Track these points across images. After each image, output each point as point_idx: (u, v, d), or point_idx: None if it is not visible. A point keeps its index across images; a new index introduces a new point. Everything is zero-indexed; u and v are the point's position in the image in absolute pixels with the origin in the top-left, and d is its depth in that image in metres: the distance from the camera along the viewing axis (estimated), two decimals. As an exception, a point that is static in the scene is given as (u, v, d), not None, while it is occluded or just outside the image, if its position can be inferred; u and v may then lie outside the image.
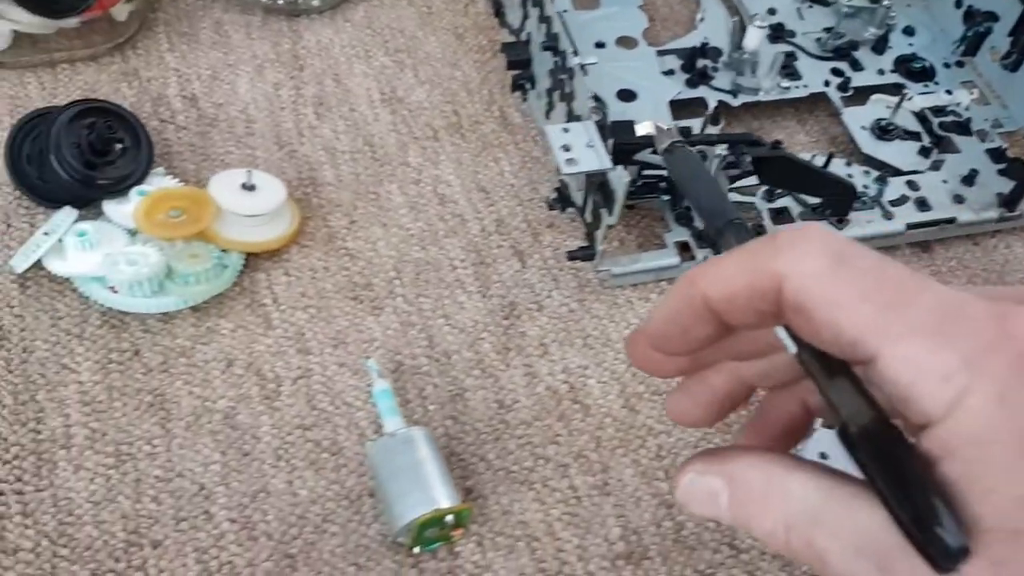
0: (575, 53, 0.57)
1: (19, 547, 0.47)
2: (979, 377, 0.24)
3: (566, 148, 0.53)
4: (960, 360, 0.24)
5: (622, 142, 0.55)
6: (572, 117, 0.59)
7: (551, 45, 0.60)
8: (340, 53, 0.72)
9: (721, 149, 0.56)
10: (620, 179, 0.51)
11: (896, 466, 0.25)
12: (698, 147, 0.57)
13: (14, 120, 0.63)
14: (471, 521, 0.51)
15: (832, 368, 0.26)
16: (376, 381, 0.53)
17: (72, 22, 0.66)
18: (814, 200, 0.64)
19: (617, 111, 0.65)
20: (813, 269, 0.25)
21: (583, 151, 0.53)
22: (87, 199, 0.58)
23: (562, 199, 0.62)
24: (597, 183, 0.55)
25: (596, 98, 0.63)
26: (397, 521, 0.47)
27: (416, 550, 0.49)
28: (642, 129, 0.58)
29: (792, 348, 0.27)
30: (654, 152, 0.56)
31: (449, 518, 0.48)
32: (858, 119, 0.71)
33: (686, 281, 0.28)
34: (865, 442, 0.26)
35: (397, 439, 0.50)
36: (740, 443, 0.33)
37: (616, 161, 0.54)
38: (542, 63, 0.64)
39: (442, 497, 0.48)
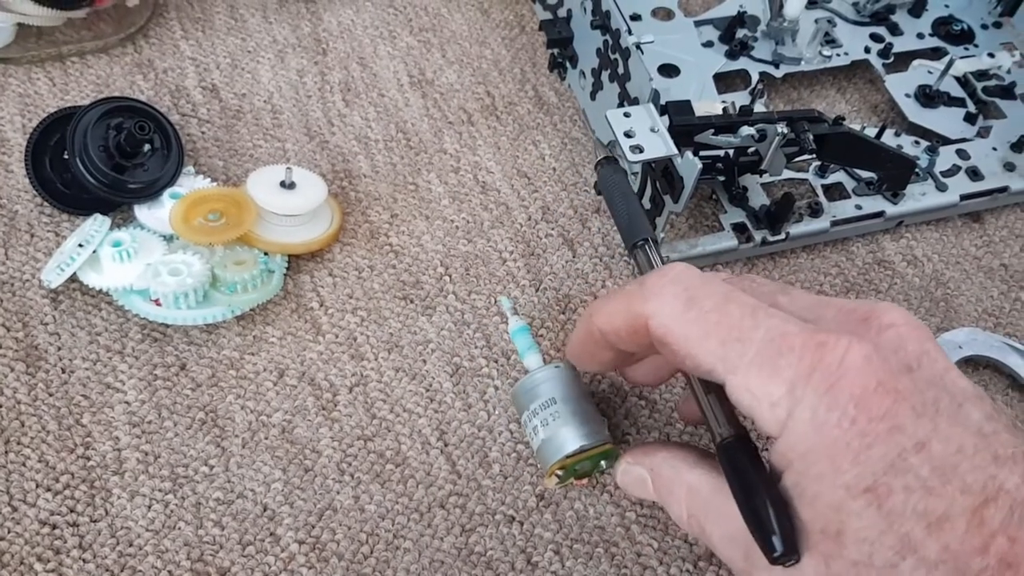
0: (630, 32, 0.54)
1: (79, 583, 0.45)
2: (798, 402, 0.28)
3: (629, 135, 0.51)
4: (785, 388, 0.28)
5: (681, 124, 0.53)
6: (626, 99, 0.56)
7: (602, 23, 0.57)
8: (363, 34, 0.68)
9: (782, 127, 0.54)
10: (691, 167, 0.49)
11: (745, 479, 0.30)
12: (758, 126, 0.54)
13: (26, 120, 0.59)
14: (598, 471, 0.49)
15: (707, 387, 0.32)
16: (511, 319, 0.53)
17: (80, 12, 0.62)
18: (868, 174, 0.62)
19: (660, 87, 0.62)
20: (669, 311, 0.31)
21: (647, 137, 0.50)
22: (115, 204, 0.55)
23: (612, 184, 0.59)
24: (660, 169, 0.52)
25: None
26: (562, 448, 0.46)
27: (553, 483, 0.48)
28: (699, 109, 0.55)
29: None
30: (716, 133, 0.54)
31: (603, 463, 0.48)
32: (901, 86, 0.69)
33: (587, 316, 0.36)
34: (724, 455, 0.32)
35: (542, 375, 0.48)
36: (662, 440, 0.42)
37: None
38: (586, 41, 0.61)
39: (603, 433, 0.47)
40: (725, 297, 0.31)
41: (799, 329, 0.29)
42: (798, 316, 0.31)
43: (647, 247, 0.38)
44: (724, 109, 0.57)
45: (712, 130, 0.53)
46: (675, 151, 0.50)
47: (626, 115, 0.51)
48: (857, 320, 0.31)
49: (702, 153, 0.57)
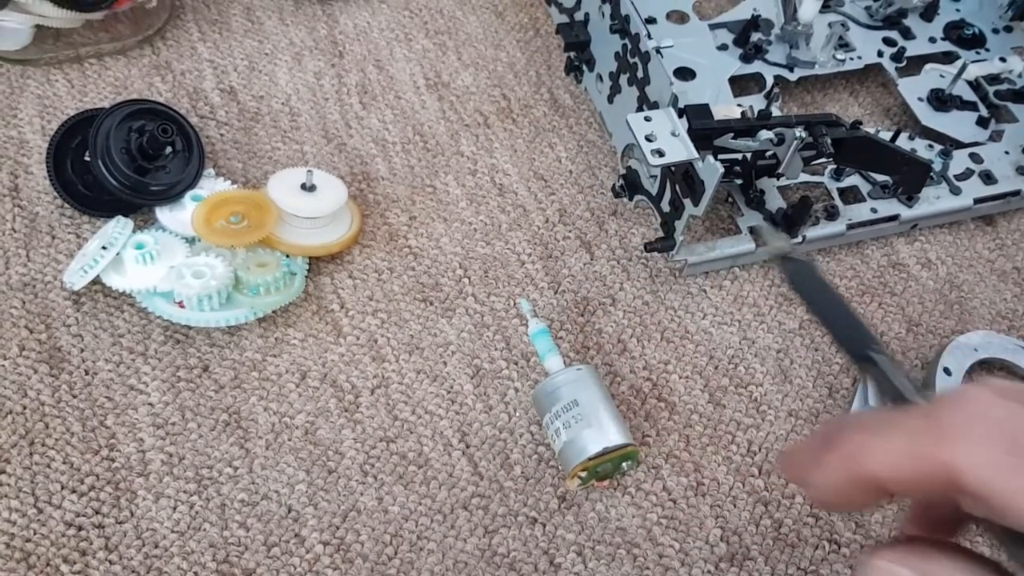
0: (649, 36, 0.54)
1: (106, 584, 0.45)
2: None
3: (650, 139, 0.51)
4: None
5: (701, 127, 0.53)
6: (645, 102, 0.57)
7: (621, 28, 0.57)
8: (379, 37, 0.68)
9: (801, 131, 0.54)
10: (713, 171, 0.49)
11: None
12: (777, 130, 0.54)
13: (45, 121, 0.60)
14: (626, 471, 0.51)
15: (1019, 539, 0.26)
16: (531, 321, 0.54)
17: (98, 14, 0.62)
18: (883, 178, 0.63)
19: (677, 91, 0.62)
20: (988, 460, 0.25)
21: (668, 141, 0.51)
22: (136, 206, 0.55)
23: (629, 186, 0.59)
24: (680, 172, 0.53)
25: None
26: (585, 450, 0.48)
27: (575, 484, 0.49)
28: (718, 113, 0.56)
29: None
30: (735, 137, 0.54)
31: (625, 464, 0.50)
32: (914, 90, 0.70)
33: (847, 456, 0.29)
34: None
35: (564, 378, 0.50)
36: (912, 533, 0.33)
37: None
38: (604, 45, 0.61)
39: (626, 435, 0.49)
40: None
41: None
42: None
43: (884, 358, 0.32)
44: (742, 113, 0.57)
45: (731, 134, 0.54)
46: (696, 155, 0.51)
47: (647, 119, 0.52)
48: None
49: (720, 157, 0.57)
